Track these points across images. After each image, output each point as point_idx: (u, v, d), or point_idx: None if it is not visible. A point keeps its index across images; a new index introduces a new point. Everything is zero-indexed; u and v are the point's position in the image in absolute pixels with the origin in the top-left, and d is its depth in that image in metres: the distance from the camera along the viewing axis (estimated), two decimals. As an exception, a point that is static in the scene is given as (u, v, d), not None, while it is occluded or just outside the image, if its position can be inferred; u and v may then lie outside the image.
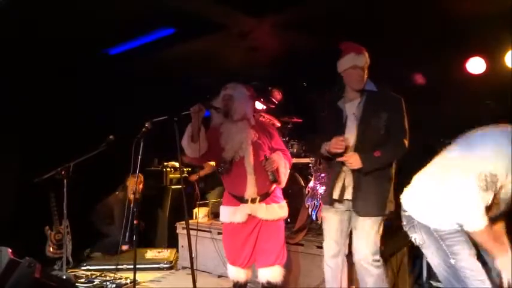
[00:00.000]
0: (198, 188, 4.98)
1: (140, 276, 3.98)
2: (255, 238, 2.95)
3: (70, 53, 4.37)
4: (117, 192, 4.95)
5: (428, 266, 3.36)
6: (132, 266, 2.79)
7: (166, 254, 4.59)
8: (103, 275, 4.03)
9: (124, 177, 4.73)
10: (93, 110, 4.76)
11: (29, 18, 3.75)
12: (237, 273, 3.02)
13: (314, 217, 3.78)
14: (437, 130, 3.61)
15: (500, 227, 2.16)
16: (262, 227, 2.94)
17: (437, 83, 4.15)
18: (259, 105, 4.95)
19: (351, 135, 2.58)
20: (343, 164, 2.58)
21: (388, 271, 3.06)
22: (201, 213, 4.40)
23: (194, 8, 3.69)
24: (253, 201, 2.90)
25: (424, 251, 2.17)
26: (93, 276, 3.97)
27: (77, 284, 3.68)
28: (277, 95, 5.08)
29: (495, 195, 1.94)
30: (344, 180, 2.62)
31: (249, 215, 2.91)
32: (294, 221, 3.87)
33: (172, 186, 5.27)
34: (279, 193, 3.07)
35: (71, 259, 4.32)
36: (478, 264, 1.99)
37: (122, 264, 3.93)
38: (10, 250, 2.66)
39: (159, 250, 4.68)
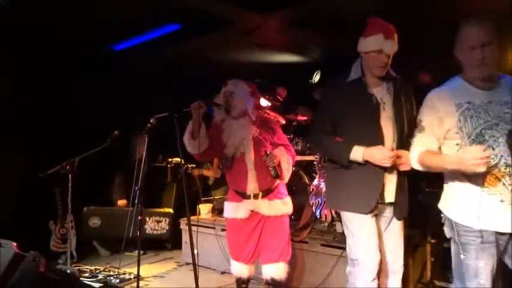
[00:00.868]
0: (200, 184, 4.99)
1: (144, 272, 4.00)
2: (258, 234, 2.95)
3: (72, 50, 4.39)
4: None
5: (432, 265, 3.37)
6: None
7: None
8: (107, 269, 4.05)
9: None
10: (96, 107, 4.77)
11: (30, 18, 3.75)
12: (240, 269, 3.03)
13: (318, 215, 3.77)
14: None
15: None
16: (266, 223, 2.94)
17: (440, 83, 4.12)
18: (264, 102, 4.95)
19: (387, 128, 2.24)
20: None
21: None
22: (204, 210, 4.41)
23: (199, 4, 3.68)
24: (255, 197, 2.91)
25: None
26: (97, 271, 3.99)
27: (80, 279, 3.70)
28: (281, 92, 5.07)
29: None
30: (384, 182, 2.25)
31: (252, 211, 2.92)
32: (298, 218, 3.87)
33: (177, 182, 5.28)
34: (283, 189, 3.06)
35: (75, 253, 4.35)
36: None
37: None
38: (15, 244, 2.67)
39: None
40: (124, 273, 3.90)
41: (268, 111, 4.62)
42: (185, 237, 4.41)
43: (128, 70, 4.96)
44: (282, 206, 2.98)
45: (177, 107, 2.67)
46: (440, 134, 2.01)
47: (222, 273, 3.99)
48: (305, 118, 4.70)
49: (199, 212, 4.38)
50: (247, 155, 2.89)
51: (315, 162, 4.23)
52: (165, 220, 4.70)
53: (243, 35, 4.26)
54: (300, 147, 4.48)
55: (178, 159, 5.32)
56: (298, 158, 4.51)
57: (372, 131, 2.23)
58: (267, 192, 2.95)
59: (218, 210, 4.39)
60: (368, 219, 2.25)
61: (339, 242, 3.36)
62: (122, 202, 4.85)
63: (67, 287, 2.70)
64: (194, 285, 2.60)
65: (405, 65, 2.38)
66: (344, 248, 3.14)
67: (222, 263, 3.94)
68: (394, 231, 2.36)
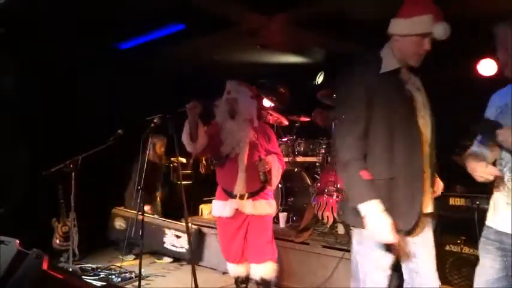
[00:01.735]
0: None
1: (145, 271, 4.00)
2: (243, 233, 3.02)
3: (76, 49, 4.42)
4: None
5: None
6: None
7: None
8: (109, 268, 4.06)
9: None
10: (100, 106, 4.78)
11: (35, 18, 3.78)
12: (235, 269, 3.11)
13: (320, 216, 3.77)
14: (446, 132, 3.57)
15: None
16: (251, 223, 3.01)
17: (448, 85, 4.11)
18: (267, 103, 4.95)
19: (424, 125, 1.88)
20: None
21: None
22: (206, 210, 4.42)
23: (203, 4, 3.69)
24: (241, 197, 2.98)
25: None
26: (99, 269, 4.01)
27: (82, 277, 3.71)
28: (285, 93, 5.08)
29: None
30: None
31: (237, 210, 2.99)
32: (300, 219, 3.87)
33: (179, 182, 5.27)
34: (269, 192, 3.13)
35: (77, 251, 4.36)
36: None
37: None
38: (18, 241, 2.69)
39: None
40: (126, 272, 3.91)
41: (271, 111, 4.64)
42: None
43: (133, 69, 4.97)
44: (267, 205, 3.04)
45: (171, 108, 2.71)
46: None
47: (223, 273, 3.99)
48: (308, 119, 4.71)
49: (201, 212, 4.39)
50: (241, 157, 2.96)
51: (317, 164, 4.24)
52: (185, 237, 3.88)
53: (247, 36, 4.27)
54: (302, 149, 4.49)
55: (181, 159, 5.40)
56: (301, 159, 4.52)
57: (410, 136, 1.83)
58: (253, 194, 3.01)
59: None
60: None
61: (340, 244, 3.36)
62: (147, 207, 4.57)
63: (69, 285, 2.71)
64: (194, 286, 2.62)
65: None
66: (345, 250, 3.15)
67: (223, 263, 3.93)
68: (430, 243, 1.95)
